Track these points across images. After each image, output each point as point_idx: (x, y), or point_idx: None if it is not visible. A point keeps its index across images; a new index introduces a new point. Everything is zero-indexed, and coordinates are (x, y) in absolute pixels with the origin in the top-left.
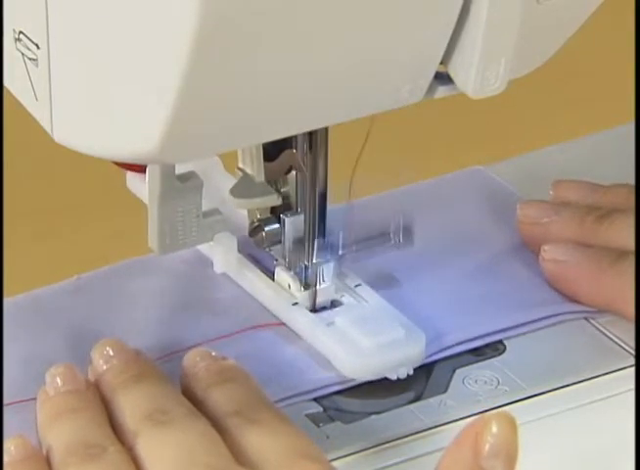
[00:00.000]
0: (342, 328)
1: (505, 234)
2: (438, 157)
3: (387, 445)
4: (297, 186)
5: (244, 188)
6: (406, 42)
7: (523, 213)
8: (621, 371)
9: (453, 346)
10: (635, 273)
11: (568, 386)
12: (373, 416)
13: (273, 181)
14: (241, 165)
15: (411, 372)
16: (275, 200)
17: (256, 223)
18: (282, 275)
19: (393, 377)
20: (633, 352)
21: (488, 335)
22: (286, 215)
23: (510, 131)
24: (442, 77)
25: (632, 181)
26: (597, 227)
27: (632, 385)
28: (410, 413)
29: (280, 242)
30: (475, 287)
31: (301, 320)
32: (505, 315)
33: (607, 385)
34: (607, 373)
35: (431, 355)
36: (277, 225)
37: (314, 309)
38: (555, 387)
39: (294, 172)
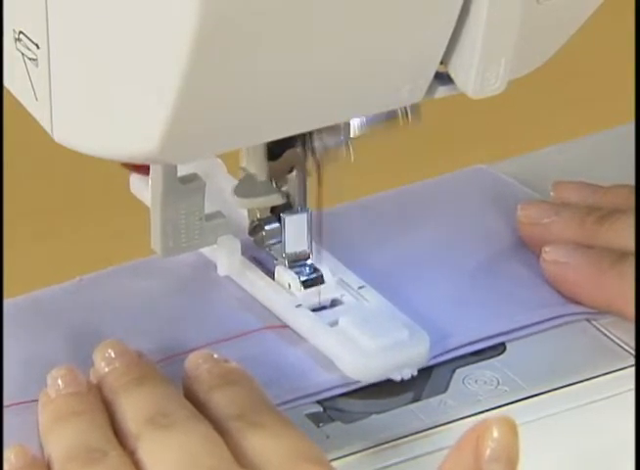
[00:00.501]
0: (345, 330)
1: (508, 233)
2: (438, 157)
3: (387, 445)
4: (298, 185)
5: (247, 187)
6: (406, 42)
7: (523, 214)
8: (621, 371)
9: (457, 348)
10: (635, 274)
11: (568, 386)
12: (373, 416)
13: (273, 180)
14: (244, 165)
15: (415, 373)
16: (278, 199)
17: (256, 222)
18: (282, 274)
19: (397, 378)
20: (633, 353)
21: (492, 337)
22: (286, 215)
23: (510, 131)
24: (442, 77)
25: (632, 181)
26: (598, 228)
27: (632, 385)
28: (410, 413)
29: (280, 241)
30: (477, 288)
31: (305, 322)
32: (508, 317)
33: (607, 385)
34: (607, 373)
35: (435, 357)
36: (277, 224)
37: (314, 309)
38: (555, 387)
39: (294, 171)
